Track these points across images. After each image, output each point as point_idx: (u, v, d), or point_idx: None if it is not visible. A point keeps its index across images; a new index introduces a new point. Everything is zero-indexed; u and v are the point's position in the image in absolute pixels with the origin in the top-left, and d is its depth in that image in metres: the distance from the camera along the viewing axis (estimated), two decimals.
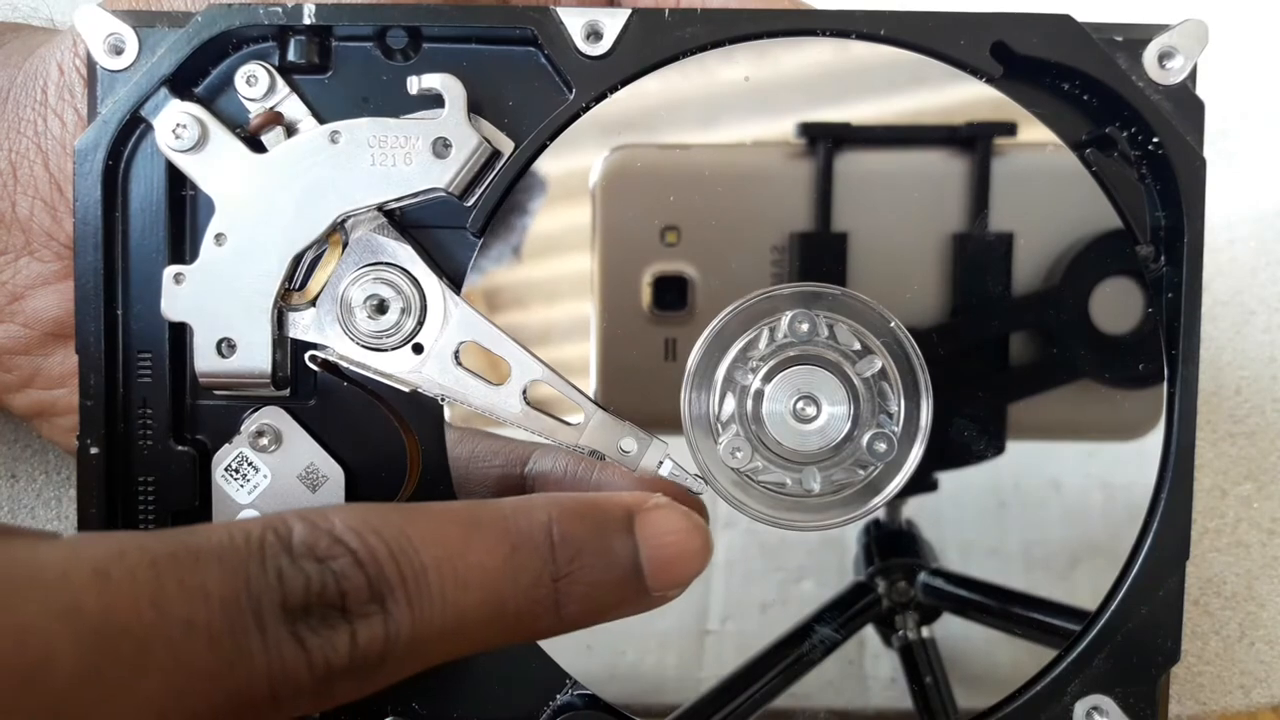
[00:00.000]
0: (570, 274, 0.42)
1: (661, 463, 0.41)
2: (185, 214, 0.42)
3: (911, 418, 0.41)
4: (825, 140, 0.42)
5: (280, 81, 0.41)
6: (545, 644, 0.42)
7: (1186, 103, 0.41)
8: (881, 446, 0.41)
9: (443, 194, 0.40)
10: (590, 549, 0.35)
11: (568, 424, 0.41)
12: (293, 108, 0.41)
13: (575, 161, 0.42)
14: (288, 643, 0.29)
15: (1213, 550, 0.57)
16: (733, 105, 0.42)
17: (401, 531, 0.32)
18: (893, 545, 0.43)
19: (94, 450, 0.41)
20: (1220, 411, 0.58)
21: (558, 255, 0.42)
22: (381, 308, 0.41)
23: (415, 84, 0.40)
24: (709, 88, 0.42)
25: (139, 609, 0.27)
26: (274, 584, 0.29)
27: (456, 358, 0.41)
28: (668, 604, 0.37)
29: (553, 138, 0.41)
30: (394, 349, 0.41)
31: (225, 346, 0.40)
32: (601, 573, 0.35)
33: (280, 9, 0.40)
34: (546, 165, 0.41)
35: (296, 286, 0.41)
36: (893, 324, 0.41)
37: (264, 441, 0.42)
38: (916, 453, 0.41)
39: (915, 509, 0.43)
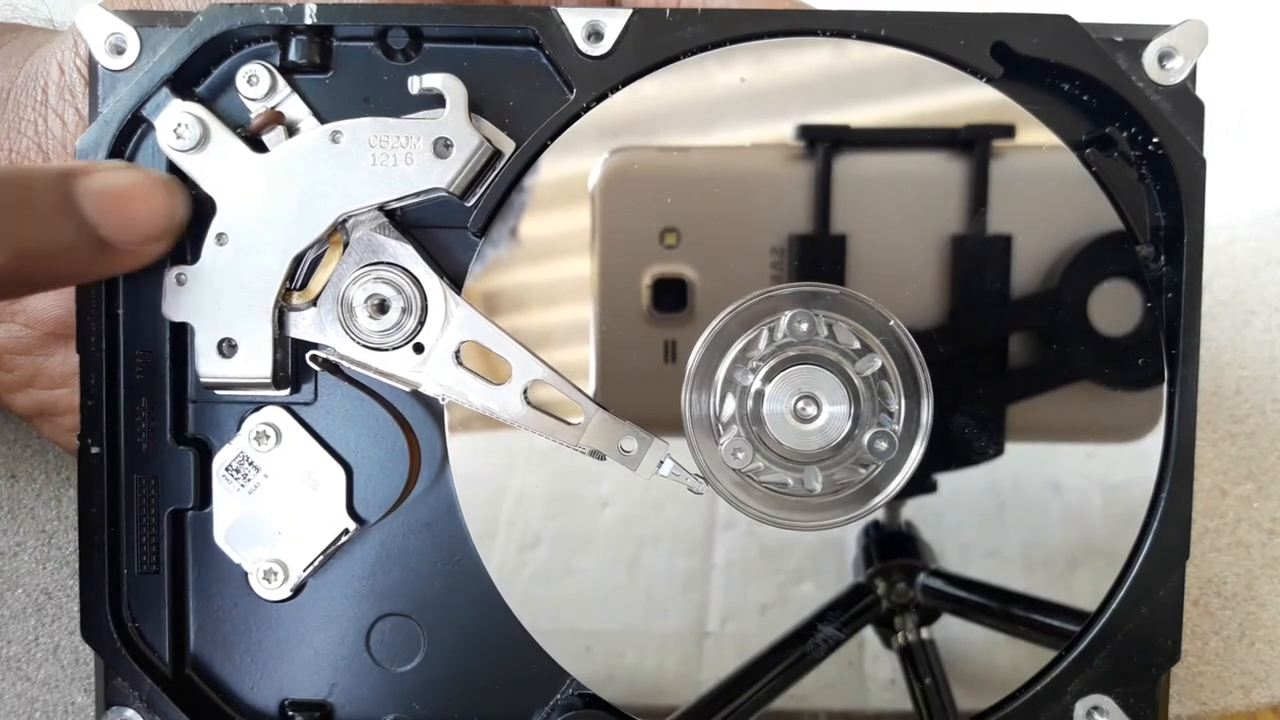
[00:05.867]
0: (569, 277, 0.42)
1: (662, 462, 0.41)
2: None
3: (912, 416, 0.41)
4: (824, 143, 0.42)
5: (281, 81, 0.41)
6: (546, 644, 0.42)
7: (1186, 103, 0.41)
8: (882, 445, 0.41)
9: (444, 194, 0.40)
10: None
11: (569, 424, 0.41)
12: (294, 107, 0.41)
13: (575, 164, 0.42)
14: None
15: (1213, 550, 0.57)
16: (732, 109, 0.42)
17: None
18: (892, 547, 0.43)
19: (95, 450, 0.41)
20: (1220, 411, 0.58)
21: (557, 258, 0.42)
22: (382, 307, 0.41)
23: (416, 84, 0.40)
24: (708, 92, 0.42)
25: None
26: None
27: (457, 357, 0.41)
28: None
29: (553, 137, 0.41)
30: (395, 349, 0.41)
31: (226, 346, 0.40)
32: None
33: (281, 9, 0.40)
34: (546, 168, 0.41)
35: (297, 286, 0.41)
36: (891, 322, 0.41)
37: (265, 441, 0.42)
38: (917, 451, 0.41)
39: (915, 510, 0.43)
